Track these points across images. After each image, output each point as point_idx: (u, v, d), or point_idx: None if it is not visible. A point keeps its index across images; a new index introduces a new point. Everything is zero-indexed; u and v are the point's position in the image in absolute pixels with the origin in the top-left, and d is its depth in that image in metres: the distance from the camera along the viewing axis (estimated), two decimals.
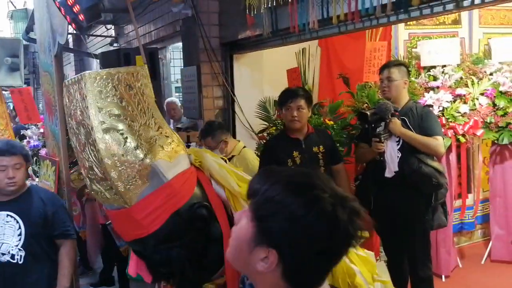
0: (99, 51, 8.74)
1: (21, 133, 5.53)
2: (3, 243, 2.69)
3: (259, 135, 4.79)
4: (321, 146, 3.34)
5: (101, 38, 8.74)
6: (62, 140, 3.46)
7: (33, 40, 12.88)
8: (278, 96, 3.50)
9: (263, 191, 0.95)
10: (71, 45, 10.14)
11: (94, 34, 8.66)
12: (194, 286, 1.61)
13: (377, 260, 3.87)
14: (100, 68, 3.65)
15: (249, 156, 3.69)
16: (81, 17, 2.49)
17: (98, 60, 9.92)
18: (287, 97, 3.34)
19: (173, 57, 7.17)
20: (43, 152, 4.80)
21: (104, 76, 1.39)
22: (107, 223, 4.33)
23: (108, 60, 3.60)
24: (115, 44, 7.80)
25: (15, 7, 21.63)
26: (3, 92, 4.73)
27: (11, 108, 8.00)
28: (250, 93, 5.03)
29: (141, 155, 1.38)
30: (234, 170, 1.68)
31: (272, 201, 0.93)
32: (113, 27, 8.08)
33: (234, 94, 4.96)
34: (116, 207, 1.45)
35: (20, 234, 2.71)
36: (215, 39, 4.95)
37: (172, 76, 7.29)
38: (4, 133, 5.28)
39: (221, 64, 4.99)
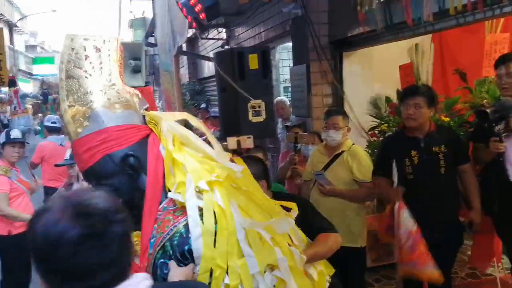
0: (211, 54, 9.15)
1: None
2: None
3: (370, 132, 4.70)
4: (442, 146, 3.12)
5: (213, 42, 9.15)
6: None
7: (151, 45, 13.91)
8: (401, 93, 3.39)
9: None
10: (184, 49, 10.74)
11: (206, 37, 9.08)
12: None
13: (499, 267, 3.62)
14: (215, 69, 3.83)
15: (361, 152, 3.63)
16: (202, 15, 2.64)
17: (208, 63, 10.43)
18: (405, 94, 3.23)
19: (282, 57, 7.28)
20: None
21: (78, 42, 1.74)
22: None
23: (222, 59, 3.77)
24: (226, 47, 8.12)
25: (134, 16, 23.44)
26: None
27: None
28: (360, 90, 4.95)
29: (88, 101, 1.67)
30: (201, 146, 1.78)
31: None
32: (224, 30, 8.42)
33: (343, 92, 4.92)
34: (71, 140, 1.75)
35: None
36: (325, 37, 4.95)
37: (281, 76, 7.40)
38: None
39: (330, 62, 4.98)
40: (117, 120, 1.69)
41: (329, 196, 3.50)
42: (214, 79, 9.73)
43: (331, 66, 4.96)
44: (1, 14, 30.40)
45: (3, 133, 4.60)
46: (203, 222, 1.54)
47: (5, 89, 14.72)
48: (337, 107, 4.67)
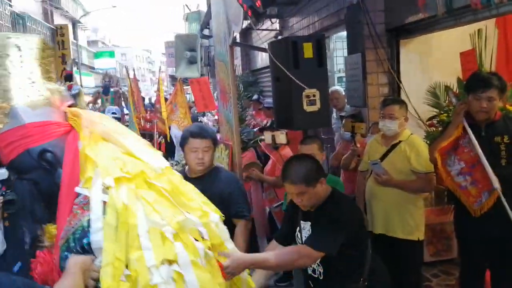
0: (264, 45, 9.16)
1: (199, 119, 6.10)
2: None
3: (428, 122, 4.54)
4: (505, 136, 2.93)
5: (266, 33, 9.15)
6: (235, 125, 3.73)
7: (206, 37, 14.12)
8: (467, 80, 3.18)
9: None
10: (238, 41, 10.81)
11: (260, 28, 9.09)
12: (38, 222, 1.80)
13: None
14: (270, 59, 3.83)
15: (419, 142, 3.53)
16: (258, 3, 2.63)
17: (261, 54, 10.44)
18: (478, 86, 2.99)
19: (336, 47, 7.18)
20: (217, 137, 5.22)
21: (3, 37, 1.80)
22: (274, 206, 4.55)
23: (277, 48, 3.75)
24: (279, 37, 8.10)
25: (189, 10, 23.87)
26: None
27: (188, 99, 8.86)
28: (418, 79, 4.80)
29: (8, 97, 1.73)
30: (121, 141, 1.86)
31: None
32: (277, 20, 8.39)
33: (400, 81, 4.79)
34: None
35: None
36: (381, 25, 4.83)
37: (335, 66, 7.30)
38: (184, 120, 5.90)
39: (387, 50, 4.85)
40: (37, 117, 1.76)
41: (385, 186, 3.42)
42: (266, 70, 9.78)
43: (388, 54, 4.84)
44: (66, 11, 31.81)
45: None
46: (105, 217, 1.59)
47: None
48: (394, 97, 4.55)
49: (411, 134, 3.58)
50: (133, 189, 1.69)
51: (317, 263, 2.52)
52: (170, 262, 1.61)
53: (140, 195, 1.68)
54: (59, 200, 1.71)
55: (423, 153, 3.38)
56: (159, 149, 5.02)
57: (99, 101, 12.41)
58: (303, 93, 3.43)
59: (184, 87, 6.96)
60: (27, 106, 1.75)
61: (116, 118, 6.84)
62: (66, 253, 1.61)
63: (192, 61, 5.33)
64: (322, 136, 5.65)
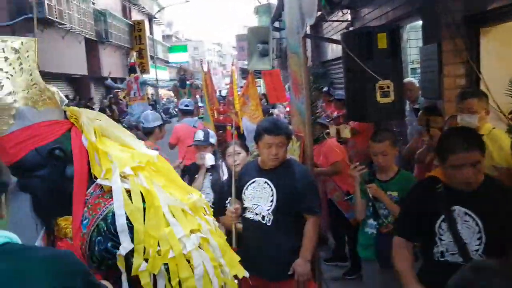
0: (335, 36, 9.07)
1: (270, 111, 6.19)
2: (258, 205, 3.05)
3: (511, 115, 4.32)
4: None
5: (336, 24, 9.06)
6: (307, 117, 3.76)
7: (277, 29, 14.19)
8: None
9: None
10: (308, 33, 10.77)
11: (331, 19, 9.02)
12: (50, 215, 1.93)
13: None
14: (342, 50, 3.82)
15: (502, 136, 3.39)
16: None
17: (332, 46, 10.34)
18: None
19: (410, 37, 6.97)
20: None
21: None
22: (346, 198, 4.55)
23: (349, 39, 3.73)
24: (350, 28, 7.99)
25: (260, 3, 24.04)
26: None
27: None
28: (499, 70, 4.56)
29: (12, 100, 1.80)
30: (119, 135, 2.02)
31: None
32: (349, 11, 8.28)
33: (479, 72, 4.58)
34: None
35: (272, 201, 3.01)
36: (459, 13, 4.63)
37: (408, 57, 7.10)
38: (255, 112, 6.02)
39: (465, 40, 4.65)
40: (42, 117, 1.87)
41: None
42: (337, 61, 9.68)
43: (466, 44, 4.64)
44: (143, 7, 33.16)
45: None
46: (132, 202, 1.78)
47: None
48: (473, 89, 4.37)
49: (493, 128, 3.44)
50: (147, 176, 1.89)
51: (269, 212, 2.87)
52: (195, 232, 1.86)
53: (153, 181, 1.89)
54: (74, 192, 1.85)
55: (506, 147, 3.23)
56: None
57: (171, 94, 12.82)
58: (377, 84, 3.40)
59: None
60: (32, 107, 1.86)
61: (188, 110, 7.08)
62: (99, 237, 1.78)
63: (264, 54, 5.44)
64: (394, 129, 5.54)
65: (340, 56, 7.26)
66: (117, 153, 1.92)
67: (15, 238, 1.32)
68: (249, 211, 3.08)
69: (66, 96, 18.60)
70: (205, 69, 7.92)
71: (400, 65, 3.64)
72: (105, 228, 1.78)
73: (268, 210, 3.01)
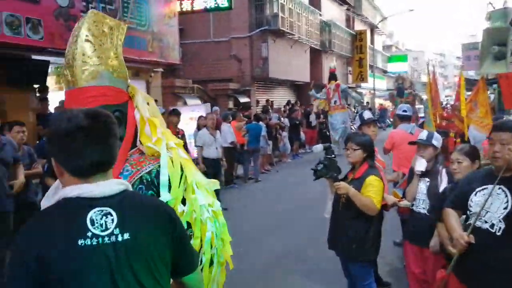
0: None
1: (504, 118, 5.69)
2: (488, 211, 2.83)
3: None
4: None
5: None
6: None
7: None
8: None
9: None
10: None
11: None
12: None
13: None
14: None
15: None
16: None
17: None
18: None
19: None
20: None
21: (99, 18, 2.26)
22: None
23: None
24: None
25: (494, 8, 22.00)
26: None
27: (491, 99, 8.33)
28: None
29: (98, 62, 2.18)
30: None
31: None
32: None
33: None
34: (71, 87, 2.19)
35: (506, 208, 2.76)
36: None
37: None
38: (483, 120, 5.64)
39: None
40: (115, 83, 2.23)
41: None
42: None
43: None
44: (366, 17, 33.68)
45: (357, 116, 5.42)
46: (174, 167, 2.18)
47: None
48: None
49: None
50: (184, 152, 2.35)
51: (500, 219, 2.64)
52: (211, 206, 2.29)
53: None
54: (121, 148, 2.16)
55: None
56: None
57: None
58: None
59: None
60: (110, 73, 2.25)
61: (406, 116, 6.96)
62: (140, 185, 2.13)
63: (499, 57, 5.12)
64: None
65: None
66: (164, 129, 2.33)
67: (129, 186, 1.71)
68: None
69: (288, 101, 20.16)
70: (431, 72, 7.69)
71: None
72: (149, 179, 2.14)
73: (499, 217, 2.77)
